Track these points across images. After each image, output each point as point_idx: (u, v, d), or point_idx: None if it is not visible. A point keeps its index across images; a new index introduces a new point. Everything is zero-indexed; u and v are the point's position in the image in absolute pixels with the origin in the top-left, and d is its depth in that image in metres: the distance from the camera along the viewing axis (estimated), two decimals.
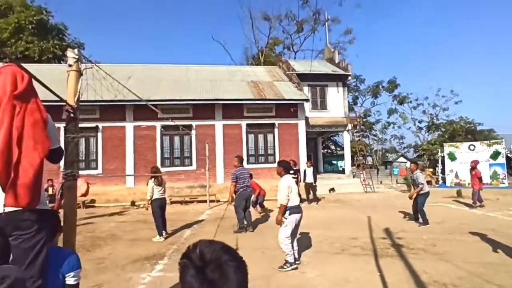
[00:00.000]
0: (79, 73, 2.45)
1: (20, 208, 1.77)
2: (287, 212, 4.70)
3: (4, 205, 1.74)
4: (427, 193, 7.96)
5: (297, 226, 4.86)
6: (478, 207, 9.94)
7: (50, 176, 11.33)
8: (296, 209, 4.78)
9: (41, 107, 1.86)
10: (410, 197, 8.20)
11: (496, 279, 4.04)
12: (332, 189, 15.16)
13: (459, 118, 31.11)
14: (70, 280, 1.93)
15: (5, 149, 1.68)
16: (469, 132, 28.53)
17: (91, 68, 2.61)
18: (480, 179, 10.34)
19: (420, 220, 7.78)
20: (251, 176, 8.14)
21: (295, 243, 4.89)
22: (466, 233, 6.68)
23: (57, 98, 2.33)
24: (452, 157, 17.57)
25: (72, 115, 2.43)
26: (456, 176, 17.09)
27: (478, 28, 77.26)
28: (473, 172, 10.47)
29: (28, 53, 22.90)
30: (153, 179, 6.99)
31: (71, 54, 2.39)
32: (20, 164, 1.70)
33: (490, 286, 3.85)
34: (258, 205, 10.37)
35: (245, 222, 7.54)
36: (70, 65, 2.42)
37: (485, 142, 18.36)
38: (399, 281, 4.10)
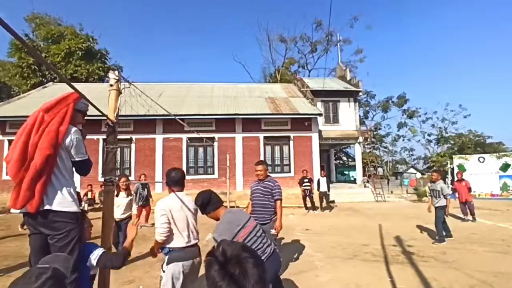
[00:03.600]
0: (119, 92, 2.59)
1: (45, 213, 1.86)
2: (166, 258, 2.55)
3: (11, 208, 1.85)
4: (446, 206, 6.60)
5: (188, 281, 2.58)
6: (469, 220, 8.94)
7: (90, 182, 11.79)
8: (182, 254, 2.54)
9: (66, 120, 1.94)
10: (430, 210, 6.83)
11: None
12: (332, 201, 14.42)
13: (468, 131, 29.97)
14: (93, 262, 1.99)
15: (19, 157, 1.79)
16: (478, 145, 27.36)
17: (129, 87, 2.74)
18: (469, 189, 9.29)
19: (436, 236, 6.47)
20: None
21: None
22: (476, 242, 6.35)
23: (98, 113, 2.45)
24: (462, 169, 16.82)
25: (112, 128, 2.56)
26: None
27: (486, 43, 74.88)
28: (463, 183, 9.29)
29: (77, 75, 24.17)
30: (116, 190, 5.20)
31: (112, 75, 2.53)
32: (27, 171, 1.80)
33: None
34: None
35: None
36: (111, 85, 2.55)
37: (494, 154, 17.53)
38: (410, 287, 3.94)
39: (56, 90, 17.88)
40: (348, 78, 20.56)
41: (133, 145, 14.59)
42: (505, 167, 15.97)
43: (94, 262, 1.99)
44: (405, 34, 78.13)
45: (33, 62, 24.11)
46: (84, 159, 2.16)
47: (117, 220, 5.19)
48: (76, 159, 2.10)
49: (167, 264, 2.50)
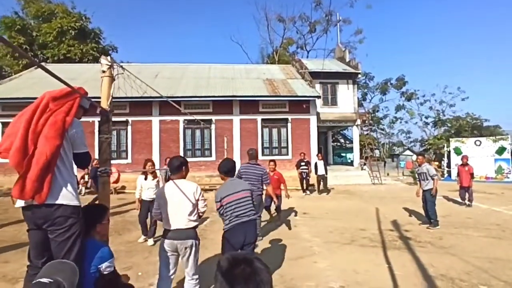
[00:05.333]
0: (112, 79, 2.44)
1: (46, 207, 1.80)
2: None
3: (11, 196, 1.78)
4: (435, 190, 6.45)
5: (172, 261, 2.86)
6: (466, 204, 8.81)
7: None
8: (167, 234, 2.82)
9: (72, 112, 1.92)
10: (418, 195, 6.75)
11: (502, 275, 3.86)
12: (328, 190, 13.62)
13: (465, 114, 29.83)
14: (105, 270, 1.98)
15: (22, 145, 1.73)
16: (475, 128, 27.33)
17: (123, 73, 2.59)
18: (472, 175, 9.01)
19: (431, 220, 6.42)
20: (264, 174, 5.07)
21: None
22: (472, 227, 6.42)
23: (93, 94, 2.33)
24: (459, 151, 16.94)
25: (105, 117, 2.43)
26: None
27: (486, 26, 73.58)
28: (467, 168, 9.04)
29: (70, 55, 23.45)
30: (143, 174, 5.67)
31: (104, 61, 2.37)
32: (32, 159, 1.73)
33: (497, 282, 3.67)
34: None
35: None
36: (103, 71, 2.40)
37: (491, 137, 17.59)
38: (407, 274, 3.96)
39: (45, 72, 17.37)
40: (347, 60, 20.19)
41: (129, 128, 14.40)
42: (501, 151, 16.08)
43: (105, 271, 1.97)
44: (406, 14, 76.34)
45: (24, 42, 23.29)
46: (86, 151, 2.16)
47: (147, 200, 5.57)
48: (80, 151, 2.09)
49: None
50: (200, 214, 2.97)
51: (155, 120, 14.57)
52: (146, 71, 16.49)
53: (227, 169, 3.33)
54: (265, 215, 6.66)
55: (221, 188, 3.27)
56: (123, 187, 13.14)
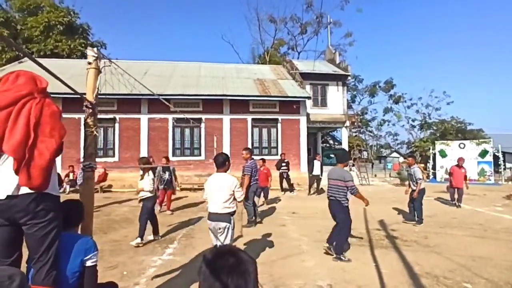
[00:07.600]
0: (98, 71, 2.38)
1: (34, 196, 1.71)
2: None
3: (18, 184, 1.67)
4: (423, 190, 6.80)
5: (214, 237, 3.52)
6: (456, 206, 8.88)
7: (71, 163, 11.43)
8: (210, 216, 3.52)
9: (55, 104, 1.90)
10: (407, 193, 7.08)
11: (484, 273, 3.96)
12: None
13: (450, 118, 30.66)
14: (88, 262, 1.92)
15: (25, 134, 1.65)
16: (459, 131, 28.10)
17: (110, 66, 2.52)
18: (465, 177, 9.07)
19: (416, 218, 6.74)
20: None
21: None
22: (456, 227, 6.57)
23: (79, 90, 2.25)
24: (443, 154, 17.36)
25: (91, 110, 2.37)
26: (446, 172, 16.89)
27: (472, 32, 75.77)
28: (463, 170, 9.07)
29: (57, 51, 22.87)
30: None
31: (91, 52, 2.32)
32: (36, 147, 1.67)
33: (479, 280, 3.75)
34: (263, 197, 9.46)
35: (255, 216, 6.75)
36: (89, 63, 2.34)
37: (474, 141, 18.10)
38: (393, 272, 4.01)
39: (33, 66, 16.84)
40: (337, 62, 20.41)
41: (117, 125, 14.13)
42: (483, 153, 16.54)
43: (88, 264, 1.92)
44: (395, 19, 77.82)
45: (8, 35, 22.60)
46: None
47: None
48: None
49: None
50: (238, 202, 3.56)
51: (144, 118, 14.35)
52: (135, 68, 16.22)
53: (338, 158, 4.98)
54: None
55: (329, 171, 4.89)
56: (110, 186, 12.89)
